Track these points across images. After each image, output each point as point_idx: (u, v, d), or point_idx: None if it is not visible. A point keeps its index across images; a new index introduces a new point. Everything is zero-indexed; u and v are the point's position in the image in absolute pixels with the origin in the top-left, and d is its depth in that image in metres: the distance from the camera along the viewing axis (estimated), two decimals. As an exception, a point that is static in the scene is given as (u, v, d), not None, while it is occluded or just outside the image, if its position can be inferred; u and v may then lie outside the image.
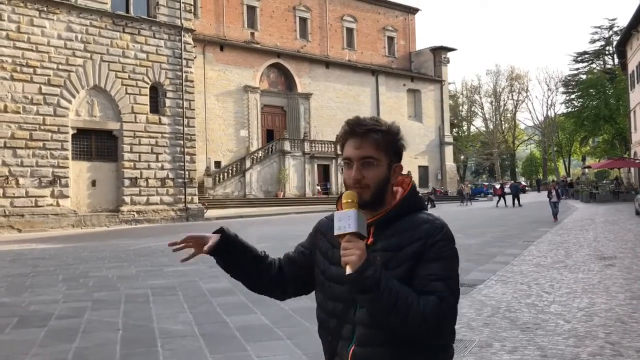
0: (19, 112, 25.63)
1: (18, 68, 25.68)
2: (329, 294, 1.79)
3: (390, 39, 57.88)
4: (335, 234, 1.63)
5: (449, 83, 64.42)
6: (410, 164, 54.54)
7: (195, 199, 31.75)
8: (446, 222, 1.76)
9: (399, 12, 58.91)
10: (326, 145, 46.26)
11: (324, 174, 46.42)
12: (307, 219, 30.83)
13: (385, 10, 57.50)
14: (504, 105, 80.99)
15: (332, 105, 49.98)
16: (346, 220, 1.61)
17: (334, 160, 46.34)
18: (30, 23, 26.18)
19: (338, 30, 53.41)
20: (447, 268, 1.67)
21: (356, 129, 1.79)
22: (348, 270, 1.57)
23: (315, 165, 45.34)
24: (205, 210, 31.99)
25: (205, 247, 1.88)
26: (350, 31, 54.34)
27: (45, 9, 26.62)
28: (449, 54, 60.39)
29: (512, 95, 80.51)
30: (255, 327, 6.40)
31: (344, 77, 51.34)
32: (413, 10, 60.33)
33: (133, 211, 28.81)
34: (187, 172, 30.97)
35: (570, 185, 47.82)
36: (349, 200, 1.67)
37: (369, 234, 1.72)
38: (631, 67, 46.48)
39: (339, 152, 45.76)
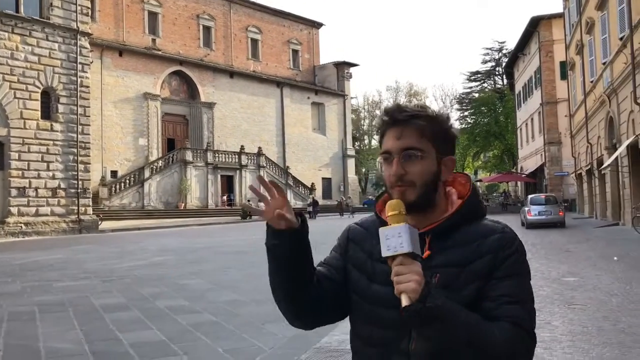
0: None
1: None
2: (369, 318, 1.46)
3: (295, 51, 58.50)
4: (383, 255, 1.30)
5: (352, 97, 66.03)
6: (314, 175, 55.21)
7: (90, 210, 30.25)
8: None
9: (303, 25, 59.72)
10: (230, 155, 45.79)
11: (228, 185, 45.87)
12: (209, 231, 30.32)
13: (290, 23, 58.08)
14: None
15: (236, 115, 49.61)
16: (396, 238, 1.29)
17: (238, 171, 45.93)
18: None
19: (243, 41, 53.26)
20: (522, 287, 1.38)
21: (396, 116, 1.44)
22: (405, 301, 1.26)
23: (219, 176, 44.71)
24: (100, 222, 30.55)
25: (276, 214, 1.42)
26: (255, 42, 54.36)
27: None
28: (352, 69, 61.94)
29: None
30: (151, 343, 6.16)
31: (248, 87, 51.17)
32: (317, 25, 61.40)
33: (20, 223, 26.96)
34: (80, 182, 29.47)
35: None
36: (396, 212, 1.33)
37: (425, 244, 1.42)
38: (518, 87, 49.91)
39: (243, 162, 45.55)
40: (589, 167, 29.76)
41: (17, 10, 27.74)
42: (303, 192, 51.27)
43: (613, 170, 23.44)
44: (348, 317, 1.56)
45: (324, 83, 60.21)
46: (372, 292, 1.45)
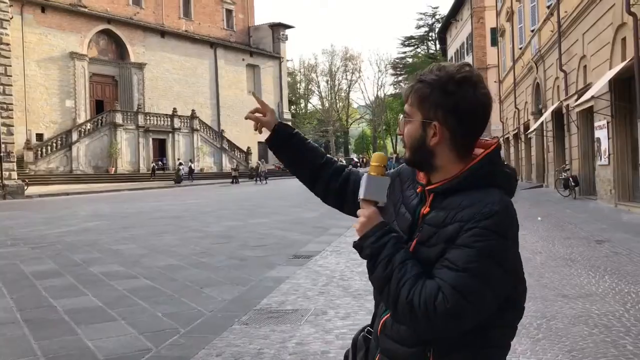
0: None
1: None
2: None
3: (229, 11, 57.07)
4: (358, 198, 1.51)
5: (288, 60, 65.36)
6: (250, 140, 54.71)
7: (14, 174, 28.89)
8: (507, 210, 1.41)
9: (237, -16, 58.22)
10: (162, 118, 44.61)
11: (160, 149, 44.79)
12: (142, 195, 29.66)
13: (223, -19, 56.48)
14: (339, 84, 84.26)
15: (168, 76, 48.20)
16: (361, 187, 1.51)
17: (170, 135, 44.87)
18: None
19: (174, -1, 51.37)
20: (470, 260, 1.33)
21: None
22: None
23: (151, 140, 43.56)
24: (25, 188, 29.27)
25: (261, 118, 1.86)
26: (187, 0, 52.57)
27: None
28: (287, 31, 61.14)
29: (347, 75, 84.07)
30: (87, 309, 6.05)
31: (181, 47, 49.68)
32: (252, -16, 60.00)
33: (-63, 189, 25.48)
34: (3, 145, 28.01)
35: (397, 160, 51.55)
36: (374, 164, 1.52)
37: (427, 201, 1.50)
38: (450, 53, 50.85)
39: (176, 125, 44.52)
40: (516, 131, 30.94)
41: None
42: (239, 156, 50.80)
43: (538, 135, 24.48)
44: None
45: (259, 45, 59.22)
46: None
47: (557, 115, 20.79)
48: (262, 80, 57.87)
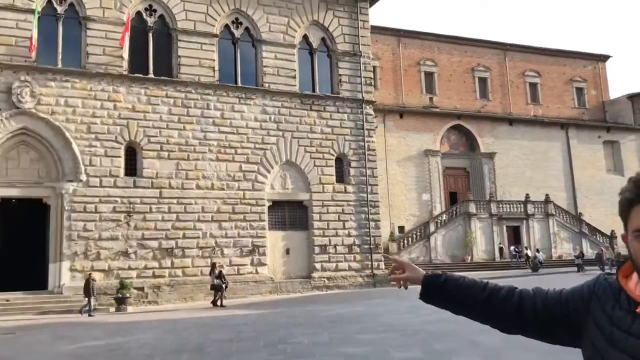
0: (223, 189, 28.57)
1: (222, 150, 28.84)
2: None
3: (579, 89, 54.62)
4: None
5: (653, 130, 58.34)
6: (614, 222, 49.58)
7: (382, 264, 32.04)
8: None
9: (586, 61, 55.64)
10: (514, 205, 44.20)
11: (514, 236, 44.12)
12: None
13: (571, 61, 54.71)
14: None
15: (518, 163, 47.98)
16: None
17: (524, 221, 43.96)
18: (232, 109, 29.48)
19: (520, 87, 51.84)
20: None
21: None
22: None
23: (504, 227, 43.38)
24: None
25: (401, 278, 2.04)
26: (533, 86, 52.42)
27: (243, 95, 29.87)
28: (650, 99, 55.01)
29: None
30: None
31: (529, 133, 49.23)
32: (603, 58, 56.59)
33: (323, 277, 29.95)
34: (372, 238, 31.58)
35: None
36: None
37: None
38: None
39: (529, 211, 43.50)
40: None
41: (313, 90, 31.85)
42: (602, 240, 46.40)
43: None
44: None
45: (616, 119, 54.61)
46: (609, 355, 1.54)
47: None
48: (622, 156, 52.70)
